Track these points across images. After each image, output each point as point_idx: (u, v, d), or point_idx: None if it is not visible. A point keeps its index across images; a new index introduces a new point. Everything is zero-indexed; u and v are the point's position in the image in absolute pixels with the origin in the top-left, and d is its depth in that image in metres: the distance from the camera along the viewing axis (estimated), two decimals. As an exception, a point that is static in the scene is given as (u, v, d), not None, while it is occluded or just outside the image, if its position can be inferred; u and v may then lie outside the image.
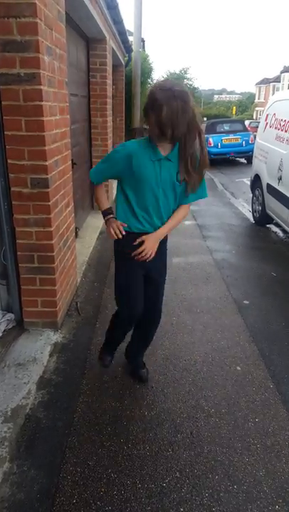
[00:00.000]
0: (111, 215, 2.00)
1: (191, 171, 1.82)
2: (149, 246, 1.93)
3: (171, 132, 1.68)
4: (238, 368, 2.53)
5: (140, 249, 1.92)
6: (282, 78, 39.69)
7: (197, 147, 1.79)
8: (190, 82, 38.76)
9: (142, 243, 1.93)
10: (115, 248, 2.08)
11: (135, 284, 2.08)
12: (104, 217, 2.03)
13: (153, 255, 1.95)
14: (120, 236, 1.92)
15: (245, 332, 2.95)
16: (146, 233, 1.94)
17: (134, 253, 1.94)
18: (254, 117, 40.48)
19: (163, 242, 2.05)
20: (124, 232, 1.92)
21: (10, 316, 2.77)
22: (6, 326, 2.73)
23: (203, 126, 14.39)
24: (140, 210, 1.91)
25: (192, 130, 1.74)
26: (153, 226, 1.94)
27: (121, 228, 1.93)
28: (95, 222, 5.50)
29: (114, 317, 2.36)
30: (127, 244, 1.96)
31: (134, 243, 1.94)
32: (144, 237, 1.93)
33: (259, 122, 6.49)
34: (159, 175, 1.83)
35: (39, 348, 2.58)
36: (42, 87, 2.28)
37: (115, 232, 1.93)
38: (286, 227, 4.76)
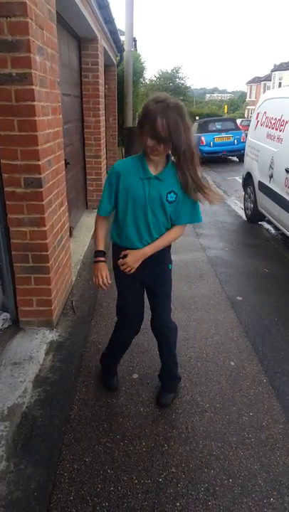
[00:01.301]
0: (102, 258, 1.97)
1: (186, 191, 1.81)
2: (130, 261, 1.90)
3: (168, 143, 1.66)
4: (232, 363, 2.56)
5: (121, 262, 1.92)
6: (272, 77, 39.91)
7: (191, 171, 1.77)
8: (182, 81, 38.90)
9: (125, 256, 1.91)
10: (113, 261, 2.05)
11: (134, 292, 2.07)
12: (94, 257, 2.00)
13: (133, 270, 1.92)
14: (105, 288, 1.94)
15: (239, 328, 2.98)
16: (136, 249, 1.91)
17: (119, 263, 1.94)
18: (245, 116, 40.69)
19: (162, 254, 1.98)
20: (109, 283, 1.93)
21: (5, 315, 2.78)
22: (2, 325, 2.73)
23: (194, 128, 14.45)
24: (131, 227, 1.88)
25: (188, 148, 1.71)
26: (143, 244, 1.92)
27: (108, 279, 1.91)
28: (89, 222, 5.50)
29: (111, 338, 2.31)
30: (116, 256, 1.98)
31: (120, 256, 1.94)
32: (128, 251, 1.91)
33: (250, 121, 6.53)
34: (148, 193, 1.81)
35: (35, 347, 2.59)
36: (34, 87, 2.28)
37: (102, 282, 1.93)
38: (278, 224, 4.81)
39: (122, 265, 1.92)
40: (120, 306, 2.15)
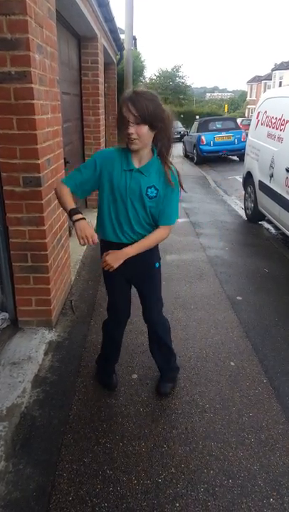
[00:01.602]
0: (80, 216, 1.79)
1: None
2: (110, 259, 1.86)
3: (140, 124, 1.67)
4: (232, 364, 2.55)
5: (103, 258, 1.90)
6: (273, 76, 39.88)
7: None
8: (182, 80, 38.85)
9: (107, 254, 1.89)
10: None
11: (117, 288, 2.09)
12: (70, 218, 1.81)
13: (112, 269, 1.87)
14: (91, 242, 1.76)
15: (239, 328, 2.97)
16: (121, 244, 1.89)
17: (101, 262, 1.92)
18: (246, 115, 40.64)
19: (147, 253, 1.95)
20: (96, 240, 1.77)
21: (4, 315, 2.77)
22: (1, 325, 2.72)
23: (194, 127, 14.38)
24: (113, 219, 1.88)
25: (165, 132, 1.75)
26: (127, 238, 1.90)
27: (95, 237, 1.76)
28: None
29: (102, 337, 2.32)
30: (101, 251, 1.98)
31: (104, 252, 1.92)
32: (110, 251, 1.88)
33: (251, 120, 6.52)
34: (128, 185, 1.81)
35: (34, 347, 2.58)
36: (33, 85, 2.27)
37: (92, 241, 1.76)
38: (278, 224, 4.80)
39: (103, 263, 1.90)
40: (109, 303, 2.18)
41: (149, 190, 1.82)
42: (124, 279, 2.06)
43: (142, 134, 1.70)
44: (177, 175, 1.85)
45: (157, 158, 1.82)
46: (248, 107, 45.04)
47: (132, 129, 1.68)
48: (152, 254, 2.03)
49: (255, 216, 5.77)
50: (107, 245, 1.94)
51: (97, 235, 1.82)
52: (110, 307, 2.19)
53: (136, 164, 1.81)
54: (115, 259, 1.86)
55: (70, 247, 3.61)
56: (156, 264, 2.08)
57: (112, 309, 2.19)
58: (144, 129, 1.69)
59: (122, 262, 1.87)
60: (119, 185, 1.82)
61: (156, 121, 1.70)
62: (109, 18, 6.02)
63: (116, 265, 1.87)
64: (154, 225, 1.92)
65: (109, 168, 1.82)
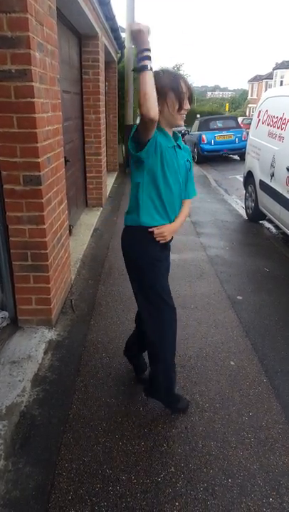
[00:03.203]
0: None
1: None
2: (167, 231, 1.83)
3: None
4: (232, 363, 2.55)
5: (159, 229, 1.82)
6: (274, 75, 39.81)
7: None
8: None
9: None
10: (138, 256, 1.90)
11: (166, 283, 2.01)
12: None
13: (165, 240, 1.86)
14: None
15: (239, 327, 2.97)
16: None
17: (155, 231, 1.82)
18: (247, 114, 40.59)
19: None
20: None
21: (4, 314, 2.76)
22: (0, 323, 2.72)
23: (195, 126, 14.34)
24: (167, 201, 1.80)
25: None
26: (169, 219, 1.86)
27: None
28: (89, 220, 5.49)
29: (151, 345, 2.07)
30: (142, 240, 1.86)
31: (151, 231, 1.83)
32: (161, 226, 1.83)
33: (252, 119, 6.51)
34: (178, 161, 1.81)
35: (34, 346, 2.58)
36: (33, 83, 2.27)
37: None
38: (279, 223, 4.79)
39: (159, 234, 1.82)
40: (162, 289, 1.95)
41: (187, 163, 1.89)
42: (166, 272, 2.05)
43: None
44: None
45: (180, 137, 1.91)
46: (249, 106, 44.97)
47: (188, 105, 1.75)
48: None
49: (255, 215, 5.76)
50: (149, 233, 1.83)
51: (129, 228, 1.89)
52: (163, 292, 1.96)
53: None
54: (171, 231, 1.86)
55: (71, 246, 3.61)
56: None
57: (166, 293, 1.97)
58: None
59: (173, 235, 1.89)
60: (172, 162, 1.76)
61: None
62: (110, 17, 6.01)
63: (169, 237, 1.88)
64: None
65: (159, 141, 1.69)
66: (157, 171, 1.74)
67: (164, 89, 1.66)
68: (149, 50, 1.50)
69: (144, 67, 1.48)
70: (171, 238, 1.92)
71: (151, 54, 1.49)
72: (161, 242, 1.86)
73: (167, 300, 1.97)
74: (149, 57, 1.49)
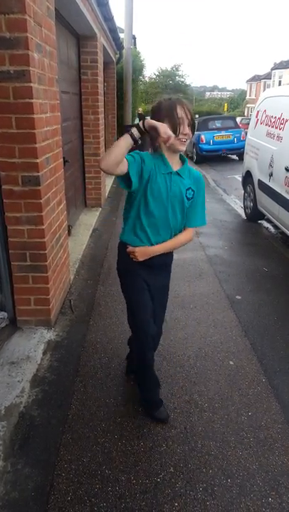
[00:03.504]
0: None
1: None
2: (139, 252, 1.85)
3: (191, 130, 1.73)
4: (231, 363, 2.55)
5: (131, 249, 1.86)
6: (272, 75, 39.85)
7: None
8: (182, 79, 38.79)
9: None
10: (119, 267, 1.99)
11: (143, 298, 1.93)
12: (130, 129, 1.62)
13: (138, 259, 1.86)
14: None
15: (238, 327, 2.97)
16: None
17: (128, 250, 1.87)
18: (245, 114, 40.62)
19: (168, 264, 2.02)
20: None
21: (3, 314, 2.76)
22: (-1, 324, 2.72)
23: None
24: (145, 225, 1.82)
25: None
26: (150, 242, 1.86)
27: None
28: (88, 220, 5.49)
29: (131, 354, 2.24)
30: (125, 258, 1.92)
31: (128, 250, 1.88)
32: (137, 247, 1.86)
33: (250, 119, 6.51)
34: (170, 188, 1.78)
35: (32, 346, 2.57)
36: (32, 84, 2.27)
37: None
38: (277, 223, 4.80)
39: (130, 252, 1.87)
40: (132, 303, 1.97)
41: (187, 192, 1.84)
42: (147, 290, 1.94)
43: (190, 136, 1.75)
44: (200, 179, 1.91)
45: (187, 162, 1.88)
46: (248, 106, 45.00)
47: (188, 130, 1.72)
48: (170, 262, 2.06)
49: (254, 215, 5.77)
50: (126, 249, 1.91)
51: (119, 245, 1.95)
52: (138, 309, 1.93)
53: (173, 168, 1.81)
54: (144, 253, 1.86)
55: (69, 247, 3.61)
56: (167, 279, 2.10)
57: (142, 312, 1.93)
58: (191, 133, 1.75)
59: (147, 257, 1.87)
60: (159, 189, 1.76)
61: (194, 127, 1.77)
62: (108, 17, 6.01)
63: (142, 259, 1.87)
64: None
65: (149, 168, 1.75)
66: (139, 197, 1.79)
67: (160, 118, 1.70)
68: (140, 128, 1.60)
69: (128, 131, 1.61)
70: (158, 259, 1.89)
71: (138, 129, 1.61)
72: (134, 260, 1.88)
73: (141, 323, 1.92)
74: (133, 128, 1.61)
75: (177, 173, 1.81)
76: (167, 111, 1.70)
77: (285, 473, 1.81)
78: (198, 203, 1.90)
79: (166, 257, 1.96)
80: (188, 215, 1.90)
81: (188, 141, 1.76)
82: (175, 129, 1.68)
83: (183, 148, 1.76)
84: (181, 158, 1.87)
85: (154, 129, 1.58)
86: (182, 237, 1.92)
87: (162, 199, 1.79)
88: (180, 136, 1.71)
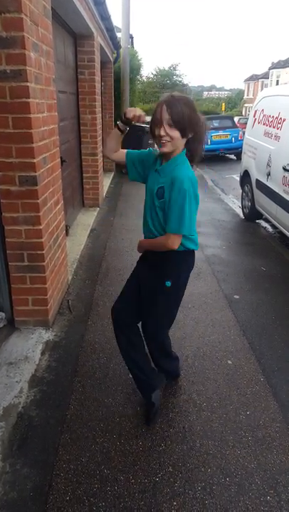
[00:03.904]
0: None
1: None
2: (138, 244, 2.00)
3: (174, 129, 1.67)
4: (229, 362, 2.56)
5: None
6: (270, 74, 39.92)
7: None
8: (179, 79, 38.78)
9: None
10: None
11: (128, 285, 2.11)
12: (120, 121, 1.84)
13: (138, 250, 2.02)
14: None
15: (236, 326, 2.97)
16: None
17: None
18: (243, 114, 40.66)
19: (159, 267, 1.90)
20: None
21: (0, 315, 2.75)
22: (-3, 325, 2.71)
23: None
24: (144, 215, 1.95)
25: (198, 139, 1.78)
26: (148, 235, 1.93)
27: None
28: (86, 220, 5.49)
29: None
30: None
31: None
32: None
33: (248, 119, 6.52)
34: (149, 184, 1.88)
35: (31, 347, 2.57)
36: (28, 83, 2.26)
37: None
38: (275, 223, 4.80)
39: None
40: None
41: (159, 190, 1.78)
42: (136, 280, 2.04)
43: (174, 137, 1.68)
44: (181, 181, 1.70)
45: (180, 159, 1.77)
46: (245, 105, 45.04)
47: (163, 131, 1.68)
48: (165, 268, 1.90)
49: (252, 215, 5.77)
50: None
51: None
52: (119, 296, 2.14)
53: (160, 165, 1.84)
54: (138, 246, 2.01)
55: (67, 247, 3.61)
56: (167, 283, 1.89)
57: (120, 299, 2.10)
58: (176, 133, 1.68)
59: (141, 250, 2.00)
60: (147, 184, 1.90)
61: (189, 127, 1.68)
62: (105, 17, 6.00)
63: (138, 249, 2.02)
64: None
65: (148, 164, 1.91)
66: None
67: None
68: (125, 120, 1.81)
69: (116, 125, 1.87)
70: (149, 257, 1.96)
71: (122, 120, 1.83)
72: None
73: (114, 303, 2.12)
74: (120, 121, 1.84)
75: (157, 170, 1.82)
76: (153, 111, 1.73)
77: (283, 471, 1.81)
78: (170, 206, 1.73)
79: (159, 259, 1.88)
80: (165, 218, 1.79)
81: (173, 141, 1.69)
82: (153, 131, 1.72)
83: (163, 149, 1.73)
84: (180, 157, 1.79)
85: (126, 115, 1.78)
86: (158, 239, 1.85)
87: (146, 194, 1.90)
88: (156, 139, 1.72)
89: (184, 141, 1.75)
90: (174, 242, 1.79)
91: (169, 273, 1.90)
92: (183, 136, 1.70)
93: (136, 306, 2.03)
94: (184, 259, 1.91)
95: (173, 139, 1.69)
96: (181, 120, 1.65)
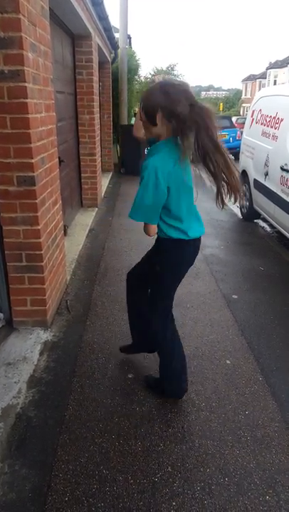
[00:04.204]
0: None
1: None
2: None
3: (143, 118, 1.77)
4: (228, 362, 2.56)
5: None
6: (268, 74, 39.97)
7: None
8: (177, 79, 38.80)
9: None
10: None
11: (144, 255, 2.27)
12: None
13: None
14: None
15: (234, 326, 2.98)
16: None
17: None
18: (241, 113, 40.71)
19: (158, 249, 2.01)
20: None
21: (-1, 315, 2.75)
22: (-5, 325, 2.71)
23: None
24: None
25: (181, 126, 1.67)
26: None
27: None
28: (84, 220, 5.48)
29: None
30: None
31: None
32: None
33: (246, 118, 6.53)
34: None
35: (29, 347, 2.57)
36: (26, 84, 2.26)
37: None
38: (273, 222, 4.81)
39: None
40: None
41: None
42: (149, 253, 2.20)
43: (142, 119, 1.75)
44: (144, 169, 1.71)
45: (156, 152, 1.75)
46: (243, 105, 45.10)
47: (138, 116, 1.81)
48: (155, 252, 2.07)
49: (250, 214, 5.78)
50: None
51: None
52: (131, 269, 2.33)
53: None
54: None
55: (66, 247, 3.60)
56: (157, 268, 1.97)
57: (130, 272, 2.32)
58: (143, 115, 1.74)
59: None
60: None
61: (149, 111, 1.70)
62: (103, 17, 6.00)
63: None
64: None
65: None
66: None
67: None
68: None
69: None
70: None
71: None
72: None
73: (128, 275, 2.34)
74: None
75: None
76: None
77: (282, 471, 1.81)
78: None
79: (158, 242, 1.99)
80: None
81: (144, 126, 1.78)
82: None
83: (134, 132, 2.02)
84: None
85: None
86: None
87: None
88: None
89: (164, 128, 1.71)
90: (144, 229, 1.86)
91: (156, 258, 2.01)
92: (149, 120, 1.72)
93: (145, 274, 2.19)
94: (169, 248, 1.92)
95: (142, 121, 1.76)
96: (141, 101, 1.73)
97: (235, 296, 3.45)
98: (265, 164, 4.89)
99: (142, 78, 15.25)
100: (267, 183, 4.83)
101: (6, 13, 2.12)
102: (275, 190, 4.55)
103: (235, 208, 6.74)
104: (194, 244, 1.97)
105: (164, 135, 1.75)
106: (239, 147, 6.61)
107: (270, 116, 4.98)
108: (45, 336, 2.74)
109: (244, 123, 6.65)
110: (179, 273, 2.03)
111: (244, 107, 43.69)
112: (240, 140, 7.83)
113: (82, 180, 6.12)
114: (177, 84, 1.69)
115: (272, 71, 39.22)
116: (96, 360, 2.55)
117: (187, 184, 1.82)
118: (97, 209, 6.23)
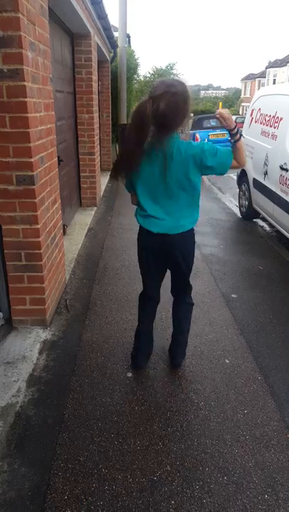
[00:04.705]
0: None
1: None
2: None
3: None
4: (227, 361, 2.56)
5: None
6: (267, 73, 39.92)
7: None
8: (176, 78, 38.75)
9: None
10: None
11: None
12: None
13: None
14: None
15: (234, 325, 2.98)
16: None
17: None
18: (240, 113, 40.71)
19: None
20: None
21: (-2, 314, 2.75)
22: (-6, 324, 2.71)
23: (189, 124, 14.48)
24: None
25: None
26: None
27: None
28: (83, 219, 5.48)
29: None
30: None
31: None
32: None
33: (245, 118, 6.53)
34: None
35: (28, 346, 2.57)
36: (26, 83, 2.26)
37: None
38: (272, 222, 4.81)
39: None
40: None
41: None
42: None
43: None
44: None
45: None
46: (242, 104, 45.08)
47: None
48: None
49: (249, 214, 5.78)
50: None
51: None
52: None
53: None
54: None
55: (65, 246, 3.60)
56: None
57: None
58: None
59: None
60: None
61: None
62: (102, 16, 5.99)
63: None
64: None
65: None
66: None
67: None
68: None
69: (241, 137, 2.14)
70: None
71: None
72: None
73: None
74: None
75: None
76: None
77: (281, 470, 1.82)
78: None
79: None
80: None
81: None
82: None
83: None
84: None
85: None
86: None
87: None
88: None
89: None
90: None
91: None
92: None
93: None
94: (138, 232, 2.28)
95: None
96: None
97: (234, 296, 3.45)
98: (265, 163, 4.89)
99: (141, 77, 15.24)
100: (266, 183, 4.84)
101: (5, 12, 2.12)
102: (274, 190, 4.55)
103: (234, 207, 6.75)
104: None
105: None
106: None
107: (270, 116, 4.99)
108: (44, 335, 2.75)
109: (243, 122, 6.65)
110: (141, 258, 2.37)
111: (243, 106, 43.67)
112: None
113: (82, 180, 6.11)
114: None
115: (271, 70, 39.16)
116: (95, 359, 2.55)
117: None
118: (96, 208, 6.22)
